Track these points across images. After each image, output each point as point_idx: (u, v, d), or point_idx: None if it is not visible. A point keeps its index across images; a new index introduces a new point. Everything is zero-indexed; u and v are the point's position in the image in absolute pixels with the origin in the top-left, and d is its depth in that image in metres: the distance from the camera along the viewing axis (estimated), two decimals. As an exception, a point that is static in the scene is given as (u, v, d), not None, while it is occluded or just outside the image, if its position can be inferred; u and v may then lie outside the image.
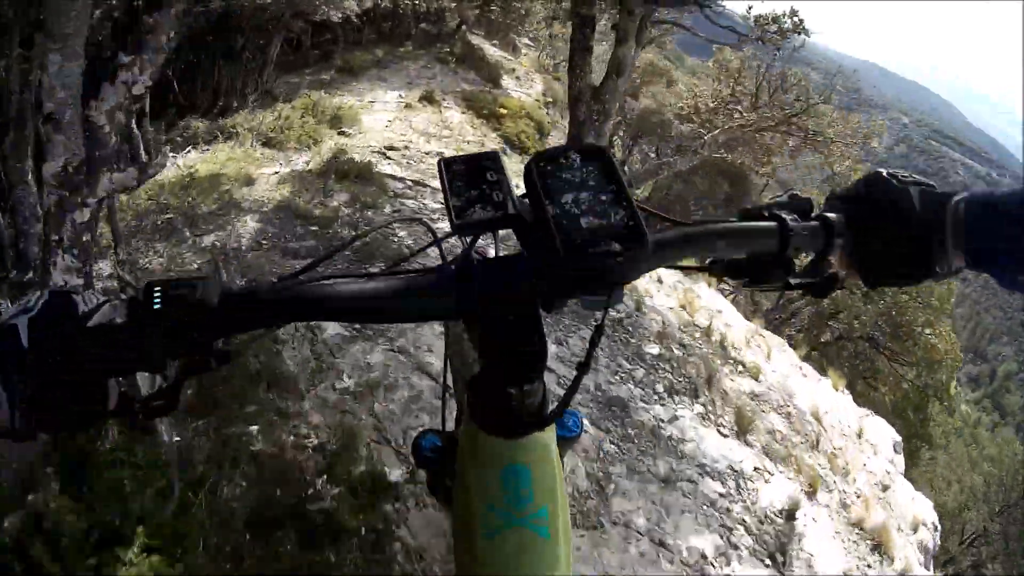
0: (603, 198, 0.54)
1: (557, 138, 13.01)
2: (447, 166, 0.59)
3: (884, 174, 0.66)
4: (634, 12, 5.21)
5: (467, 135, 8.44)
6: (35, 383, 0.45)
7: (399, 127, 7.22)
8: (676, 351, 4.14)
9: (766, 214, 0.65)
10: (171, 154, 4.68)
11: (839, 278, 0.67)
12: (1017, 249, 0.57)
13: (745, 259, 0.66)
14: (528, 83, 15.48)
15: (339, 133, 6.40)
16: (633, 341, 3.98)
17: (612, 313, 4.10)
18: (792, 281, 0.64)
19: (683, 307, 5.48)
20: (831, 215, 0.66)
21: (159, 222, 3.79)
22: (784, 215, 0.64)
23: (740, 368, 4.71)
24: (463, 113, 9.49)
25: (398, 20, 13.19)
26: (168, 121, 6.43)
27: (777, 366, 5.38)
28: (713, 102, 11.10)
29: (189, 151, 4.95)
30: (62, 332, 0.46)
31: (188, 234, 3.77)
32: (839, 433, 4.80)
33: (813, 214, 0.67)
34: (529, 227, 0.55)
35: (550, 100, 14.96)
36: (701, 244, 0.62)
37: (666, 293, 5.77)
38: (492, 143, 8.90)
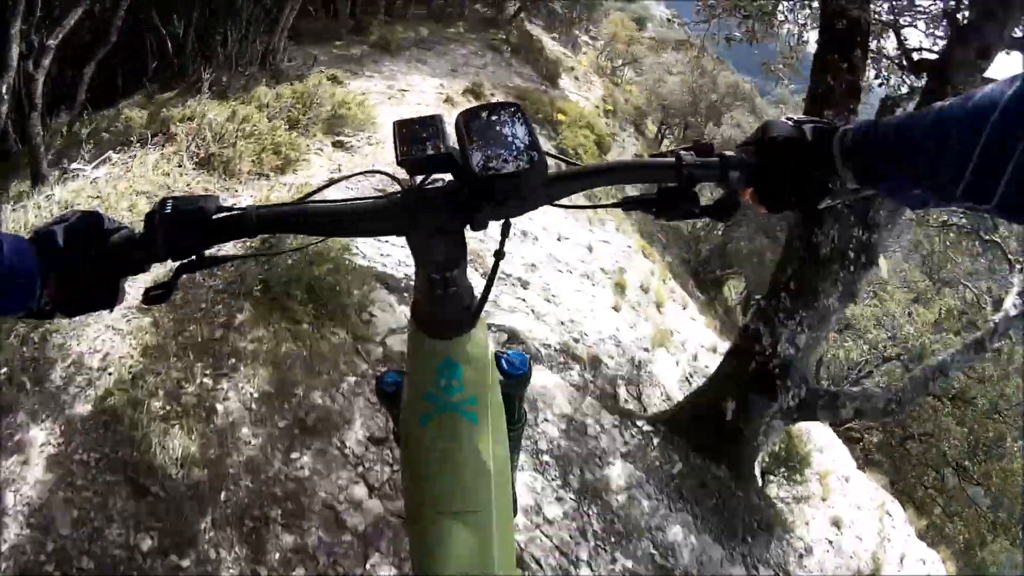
0: (515, 141, 0.64)
1: (616, 154, 11.32)
2: (399, 126, 0.70)
3: (782, 118, 0.71)
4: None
5: (517, 145, 6.77)
6: (64, 277, 0.61)
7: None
8: None
9: (668, 153, 0.72)
10: (75, 165, 3.02)
11: (739, 203, 0.73)
12: (898, 166, 0.61)
13: (655, 195, 0.72)
14: (587, 85, 13.79)
15: (335, 144, 4.44)
16: None
17: None
18: (695, 209, 0.71)
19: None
20: (727, 152, 0.72)
21: None
22: (682, 152, 0.71)
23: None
24: (514, 115, 7.80)
25: (451, -3, 11.58)
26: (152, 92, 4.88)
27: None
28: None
29: (105, 160, 3.19)
30: (90, 240, 0.62)
31: None
32: None
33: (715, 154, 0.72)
34: (458, 165, 0.66)
35: (609, 108, 13.28)
36: (600, 177, 0.73)
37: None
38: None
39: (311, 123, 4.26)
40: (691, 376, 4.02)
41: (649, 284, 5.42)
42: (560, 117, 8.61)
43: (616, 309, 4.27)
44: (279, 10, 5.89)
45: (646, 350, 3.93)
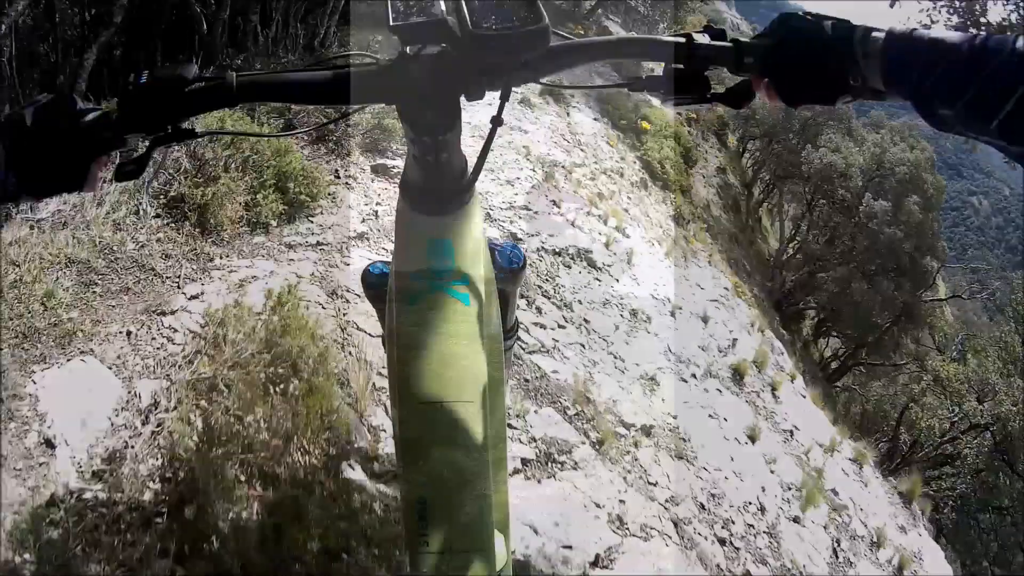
0: (515, 6, 0.61)
1: (699, 168, 10.09)
2: None
3: (799, 13, 0.67)
4: None
5: (603, 157, 5.66)
6: (32, 158, 0.58)
7: (506, 139, 4.41)
8: None
9: (678, 34, 0.69)
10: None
11: (753, 93, 0.70)
12: (930, 80, 0.57)
13: (664, 76, 0.68)
14: (667, 89, 12.54)
15: (376, 169, 3.10)
16: None
17: None
18: (708, 95, 0.68)
19: None
20: (743, 39, 0.68)
21: None
22: (694, 34, 0.68)
23: None
24: (595, 120, 6.74)
25: (526, -15, 10.55)
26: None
27: None
28: None
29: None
30: (60, 117, 0.58)
31: None
32: None
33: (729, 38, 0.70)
34: (454, 33, 0.61)
35: (692, 115, 12.01)
36: (604, 50, 0.73)
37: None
38: (633, 172, 6.10)
39: (345, 136, 3.13)
40: (839, 548, 2.82)
41: (763, 358, 4.26)
42: (645, 126, 7.46)
43: (752, 438, 3.08)
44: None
45: (796, 520, 2.70)
